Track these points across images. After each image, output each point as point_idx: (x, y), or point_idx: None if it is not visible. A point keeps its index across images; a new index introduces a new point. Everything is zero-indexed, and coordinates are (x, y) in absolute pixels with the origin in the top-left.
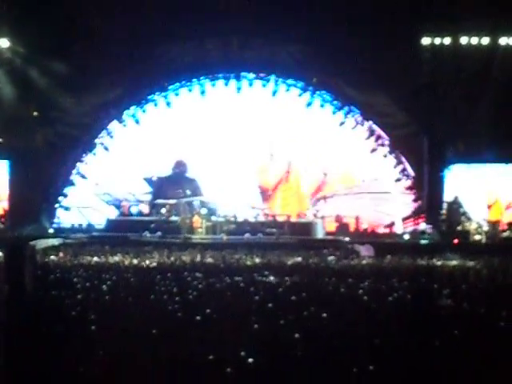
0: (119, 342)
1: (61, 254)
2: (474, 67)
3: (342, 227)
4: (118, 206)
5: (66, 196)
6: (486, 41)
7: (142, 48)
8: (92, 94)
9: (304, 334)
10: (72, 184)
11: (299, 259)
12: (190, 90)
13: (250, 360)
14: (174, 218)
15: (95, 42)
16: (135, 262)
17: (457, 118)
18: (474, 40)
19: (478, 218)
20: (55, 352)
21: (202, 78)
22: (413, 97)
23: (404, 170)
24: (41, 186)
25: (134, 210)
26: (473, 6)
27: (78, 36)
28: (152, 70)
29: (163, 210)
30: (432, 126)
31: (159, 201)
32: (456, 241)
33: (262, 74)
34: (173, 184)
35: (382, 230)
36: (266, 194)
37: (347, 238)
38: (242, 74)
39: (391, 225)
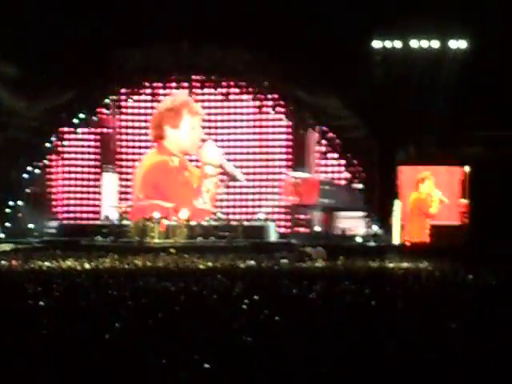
0: (70, 348)
1: (12, 259)
2: (424, 70)
3: None
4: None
5: (16, 200)
6: (435, 44)
7: (93, 51)
8: (43, 97)
9: (257, 338)
10: (23, 188)
11: (252, 262)
12: (140, 94)
13: (206, 365)
14: (125, 223)
15: (46, 44)
16: (87, 266)
17: (407, 121)
18: (424, 43)
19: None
20: (2, 357)
21: (153, 81)
22: (364, 100)
23: (355, 172)
24: None
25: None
26: (422, 10)
27: (28, 39)
28: (103, 73)
29: (115, 215)
30: (382, 129)
31: (111, 205)
32: (407, 243)
33: (213, 77)
34: None
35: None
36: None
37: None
38: (193, 77)
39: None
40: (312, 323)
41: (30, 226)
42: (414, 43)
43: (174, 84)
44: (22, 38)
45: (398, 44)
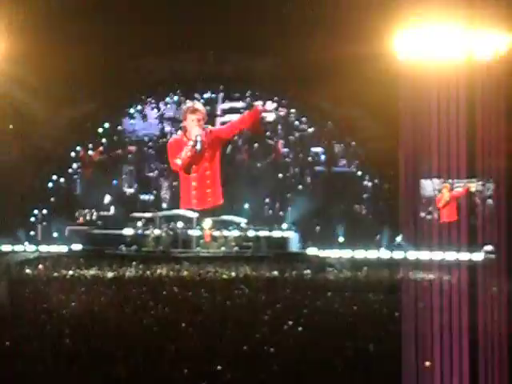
0: (94, 356)
1: (36, 268)
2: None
3: None
4: None
5: (41, 209)
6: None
7: (119, 61)
8: (68, 107)
9: (280, 349)
10: (47, 197)
11: (275, 273)
12: (166, 104)
13: (227, 375)
14: (149, 232)
15: (71, 54)
16: (110, 275)
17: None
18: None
19: None
20: (29, 365)
21: (177, 91)
22: (389, 110)
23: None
24: (16, 200)
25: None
26: (446, 21)
27: (53, 47)
28: (128, 83)
29: (139, 223)
30: (407, 140)
31: (135, 214)
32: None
33: (237, 88)
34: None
35: None
36: None
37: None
38: (219, 87)
39: None
40: (334, 334)
41: (55, 234)
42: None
43: (198, 94)
44: (47, 46)
45: (424, 54)
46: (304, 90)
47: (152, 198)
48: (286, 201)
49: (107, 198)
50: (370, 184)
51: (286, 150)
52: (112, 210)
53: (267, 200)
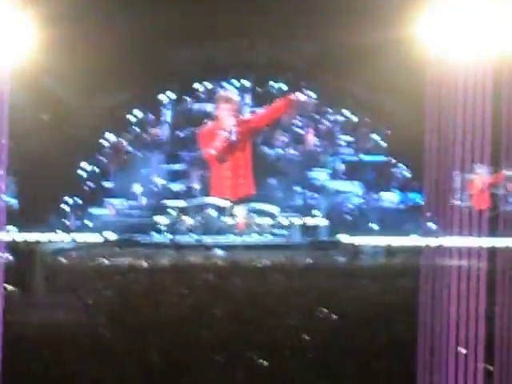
0: (129, 345)
1: (71, 257)
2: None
3: None
4: None
5: (72, 197)
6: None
7: (151, 50)
8: (100, 96)
9: (314, 336)
10: (79, 185)
11: (309, 260)
12: (197, 93)
13: (261, 362)
14: (182, 220)
15: (103, 42)
16: (145, 264)
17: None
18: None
19: None
20: (63, 351)
21: (212, 80)
22: (420, 95)
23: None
24: (50, 188)
25: None
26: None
27: (84, 36)
28: (160, 71)
29: (172, 212)
30: (437, 126)
31: (167, 202)
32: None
33: (272, 76)
34: None
35: None
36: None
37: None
38: (253, 75)
39: None
40: (367, 322)
41: (87, 222)
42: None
43: (229, 82)
44: (79, 35)
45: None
46: (335, 76)
47: (183, 187)
48: (316, 190)
49: (138, 187)
50: (401, 171)
51: (316, 139)
52: (143, 199)
53: (297, 189)
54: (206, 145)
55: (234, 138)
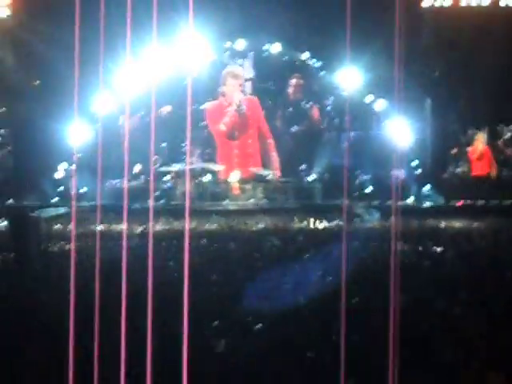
0: (122, 310)
1: (65, 223)
2: (474, 29)
3: None
4: None
5: (68, 165)
6: (486, 1)
7: None
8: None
9: (310, 298)
10: (74, 153)
11: (304, 224)
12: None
13: (257, 326)
14: (176, 185)
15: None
16: (139, 229)
17: (460, 81)
18: (475, 1)
19: None
20: (58, 321)
21: None
22: (414, 59)
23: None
24: (42, 156)
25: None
26: None
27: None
28: None
29: (167, 177)
30: (435, 88)
31: (162, 168)
32: (460, 203)
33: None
34: None
35: None
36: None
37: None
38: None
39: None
40: (361, 282)
41: (83, 189)
42: (463, 1)
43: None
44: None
45: (447, 2)
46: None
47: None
48: (315, 157)
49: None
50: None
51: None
52: (139, 166)
53: (296, 157)
54: (216, 121)
55: (243, 111)
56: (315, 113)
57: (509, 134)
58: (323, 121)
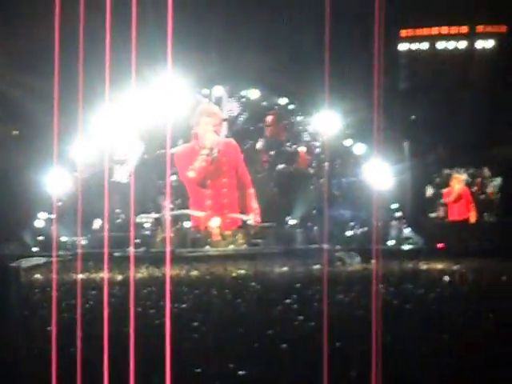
0: (100, 359)
1: (46, 273)
2: (451, 72)
3: None
4: None
5: (48, 214)
6: (462, 45)
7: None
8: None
9: (292, 344)
10: (54, 202)
11: (285, 268)
12: None
13: (240, 372)
14: (157, 232)
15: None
16: (120, 277)
17: (437, 123)
18: (451, 44)
19: None
20: (40, 368)
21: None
22: (392, 102)
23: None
24: (22, 205)
25: None
26: (448, 11)
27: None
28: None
29: (147, 225)
30: (412, 131)
31: (142, 215)
32: (440, 245)
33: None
34: None
35: None
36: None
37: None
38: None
39: None
40: (347, 327)
41: (63, 238)
42: (440, 45)
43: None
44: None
45: (424, 46)
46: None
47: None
48: (294, 200)
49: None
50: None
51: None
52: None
53: (276, 200)
54: (185, 167)
55: (215, 156)
56: (301, 155)
57: (487, 174)
58: (305, 164)
